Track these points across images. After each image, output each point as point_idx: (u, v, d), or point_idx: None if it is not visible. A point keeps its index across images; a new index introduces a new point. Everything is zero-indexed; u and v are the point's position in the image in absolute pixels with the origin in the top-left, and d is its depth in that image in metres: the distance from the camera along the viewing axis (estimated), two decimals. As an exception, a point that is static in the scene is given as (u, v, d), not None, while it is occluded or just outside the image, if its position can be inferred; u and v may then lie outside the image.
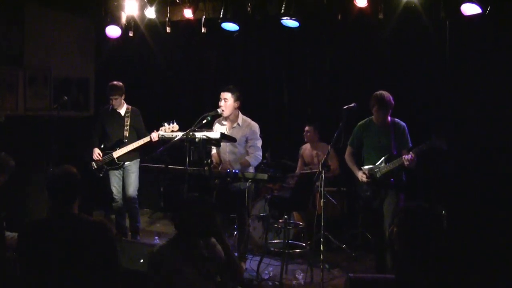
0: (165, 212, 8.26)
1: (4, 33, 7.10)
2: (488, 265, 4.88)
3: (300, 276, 5.29)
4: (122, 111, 6.28)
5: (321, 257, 4.98)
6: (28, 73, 7.45)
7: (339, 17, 6.22)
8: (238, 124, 5.55)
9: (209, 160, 5.15)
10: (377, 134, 5.25)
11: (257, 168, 5.74)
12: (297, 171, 6.84)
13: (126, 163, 6.25)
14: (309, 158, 6.85)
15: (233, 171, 5.25)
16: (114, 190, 6.32)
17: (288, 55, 7.61)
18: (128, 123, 6.24)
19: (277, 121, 7.60)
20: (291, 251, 5.81)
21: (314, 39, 7.32)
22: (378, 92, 5.16)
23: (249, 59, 7.87)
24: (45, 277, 3.00)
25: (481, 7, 5.28)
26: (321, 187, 5.06)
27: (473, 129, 5.92)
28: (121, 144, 6.19)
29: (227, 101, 5.45)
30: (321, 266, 4.98)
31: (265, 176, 5.20)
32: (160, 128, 5.80)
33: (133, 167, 6.29)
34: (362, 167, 5.28)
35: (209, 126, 5.42)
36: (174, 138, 5.16)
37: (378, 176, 5.15)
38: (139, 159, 6.33)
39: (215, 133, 5.16)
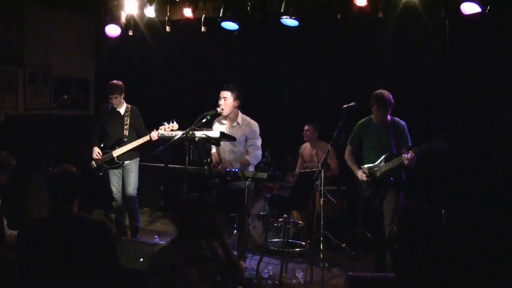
0: (165, 211, 8.27)
1: (4, 33, 7.09)
2: (488, 265, 4.88)
3: (300, 275, 5.30)
4: (122, 110, 6.28)
5: (321, 256, 4.98)
6: (28, 72, 7.45)
7: (339, 16, 6.23)
8: (238, 123, 5.55)
9: (208, 159, 5.15)
10: (377, 133, 5.25)
11: (257, 167, 5.74)
12: (297, 170, 6.85)
13: (125, 162, 6.25)
14: (309, 157, 6.86)
15: (233, 170, 5.25)
16: (113, 189, 6.32)
17: (288, 54, 7.61)
18: (128, 122, 6.24)
19: (277, 121, 7.60)
20: (291, 250, 5.82)
21: (314, 38, 7.32)
22: (377, 91, 5.16)
23: (249, 58, 7.87)
24: (45, 276, 3.00)
25: (480, 6, 5.28)
26: (321, 186, 5.06)
27: (473, 129, 5.91)
28: (120, 143, 6.19)
29: (227, 100, 5.45)
30: (321, 265, 4.98)
31: (265, 175, 5.20)
32: (160, 127, 5.81)
33: (132, 166, 6.29)
34: (362, 166, 5.28)
35: (208, 125, 5.41)
36: (174, 137, 5.15)
37: (378, 175, 5.15)
38: (138, 158, 6.33)
39: (214, 132, 5.16)
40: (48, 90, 7.75)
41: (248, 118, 5.61)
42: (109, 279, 3.12)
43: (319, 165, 5.09)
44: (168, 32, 6.93)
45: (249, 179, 5.23)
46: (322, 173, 5.02)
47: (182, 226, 3.25)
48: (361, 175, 5.22)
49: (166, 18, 6.88)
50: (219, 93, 5.52)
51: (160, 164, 5.56)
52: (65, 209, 3.11)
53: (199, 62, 8.28)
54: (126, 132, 6.22)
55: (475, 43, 5.99)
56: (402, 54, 6.55)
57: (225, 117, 5.57)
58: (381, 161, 5.16)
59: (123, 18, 7.11)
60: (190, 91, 8.44)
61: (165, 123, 5.79)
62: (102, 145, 6.27)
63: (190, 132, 4.99)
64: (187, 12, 6.72)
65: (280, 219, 5.77)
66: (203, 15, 6.75)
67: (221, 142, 5.39)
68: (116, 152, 6.17)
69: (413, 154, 4.90)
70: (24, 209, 6.29)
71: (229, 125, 5.59)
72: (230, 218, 6.37)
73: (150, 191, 8.24)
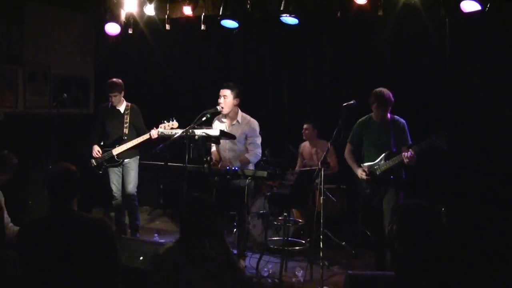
0: (165, 209, 8.28)
1: (4, 33, 7.09)
2: (487, 264, 4.88)
3: (299, 273, 5.30)
4: (122, 108, 6.28)
5: (321, 254, 4.98)
6: (27, 71, 7.44)
7: (339, 14, 6.22)
8: (238, 121, 5.55)
9: (208, 158, 5.15)
10: (376, 132, 5.24)
11: (256, 165, 5.74)
12: (297, 169, 6.85)
13: (125, 160, 6.25)
14: (309, 155, 6.86)
15: (233, 168, 5.25)
16: (113, 187, 6.32)
17: (287, 53, 7.61)
18: (128, 120, 6.24)
19: (277, 119, 7.60)
20: (290, 248, 5.82)
21: (314, 37, 7.31)
22: (377, 89, 5.16)
23: (249, 56, 7.87)
24: (45, 275, 3.00)
25: (480, 4, 5.28)
26: (320, 184, 5.06)
27: (473, 128, 5.91)
28: (120, 141, 6.19)
29: (227, 98, 5.45)
30: (321, 263, 4.98)
31: (265, 174, 5.21)
32: (160, 125, 5.80)
33: (132, 164, 6.28)
34: (361, 165, 5.28)
35: (208, 124, 5.41)
36: (174, 135, 5.15)
37: (377, 173, 5.15)
38: (138, 156, 6.32)
39: (214, 131, 5.16)
40: (48, 89, 7.74)
41: (248, 117, 5.61)
42: (110, 277, 3.12)
43: (319, 163, 5.09)
44: (167, 30, 6.93)
45: (249, 178, 5.23)
46: (322, 172, 5.01)
47: (183, 226, 3.25)
48: (361, 173, 5.22)
49: (166, 16, 6.87)
50: (219, 91, 5.52)
51: (160, 162, 5.57)
52: (65, 208, 3.11)
53: (198, 60, 8.28)
54: (126, 130, 6.22)
55: (475, 42, 5.99)
56: (402, 53, 6.55)
57: (225, 116, 5.57)
58: (381, 160, 5.15)
59: (122, 17, 7.11)
60: (189, 89, 8.44)
61: (165, 121, 5.79)
62: (102, 144, 6.27)
63: (190, 130, 4.99)
64: (187, 10, 6.72)
65: (280, 218, 5.77)
66: (203, 13, 6.75)
67: (221, 140, 5.40)
68: (116, 150, 6.17)
69: (413, 153, 4.89)
70: (24, 208, 6.29)
71: (229, 123, 5.58)
72: (230, 217, 6.37)
73: (150, 189, 8.25)
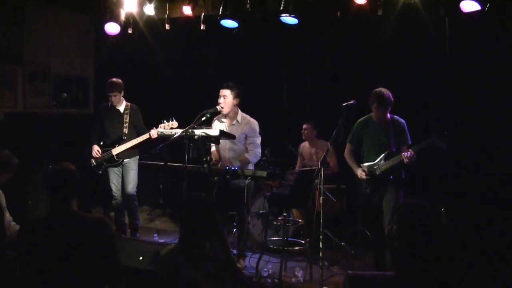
0: (164, 209, 8.28)
1: (4, 33, 7.09)
2: (487, 264, 4.88)
3: (299, 273, 5.30)
4: (121, 108, 6.27)
5: (320, 255, 4.97)
6: (27, 71, 7.44)
7: (338, 14, 6.22)
8: (238, 121, 5.54)
9: (208, 157, 5.14)
10: (376, 131, 5.24)
11: (256, 165, 5.73)
12: (297, 169, 6.84)
13: (125, 160, 6.24)
14: (308, 156, 6.85)
15: (233, 168, 5.25)
16: (113, 187, 6.32)
17: (288, 53, 7.60)
18: (127, 120, 6.23)
19: (277, 119, 7.60)
20: (290, 248, 5.81)
21: (314, 37, 7.31)
22: (377, 89, 5.16)
23: (249, 56, 7.86)
24: (45, 275, 3.00)
25: (480, 4, 5.28)
26: (320, 184, 5.06)
27: (472, 128, 5.91)
28: (120, 141, 6.18)
29: (226, 98, 5.44)
30: (320, 264, 4.97)
31: (264, 173, 5.21)
32: (159, 125, 5.80)
33: (132, 164, 6.28)
34: (361, 165, 5.28)
35: (208, 123, 5.41)
36: (173, 135, 5.15)
37: (377, 173, 5.15)
38: (138, 156, 6.32)
39: (214, 130, 5.15)
40: (48, 89, 7.74)
41: (247, 117, 5.60)
42: (110, 277, 3.12)
43: (319, 163, 5.09)
44: (167, 30, 6.93)
45: (249, 177, 5.22)
46: (322, 172, 5.01)
47: (183, 225, 3.25)
48: (360, 173, 5.22)
49: (166, 16, 6.87)
50: (218, 91, 5.52)
51: (159, 162, 5.56)
52: (64, 208, 3.11)
53: (198, 60, 8.27)
54: (125, 130, 6.22)
55: (475, 41, 5.98)
56: (402, 52, 6.54)
57: (225, 115, 5.57)
58: (380, 160, 5.15)
59: (122, 16, 7.10)
60: (189, 89, 8.44)
61: (165, 121, 5.79)
62: (101, 143, 6.27)
63: (190, 130, 4.98)
64: (187, 10, 6.72)
65: (279, 218, 5.77)
66: (203, 13, 6.74)
67: (221, 140, 5.39)
68: (116, 150, 6.16)
69: (412, 153, 4.89)
70: (24, 208, 6.29)
71: (229, 123, 5.58)
72: (229, 217, 6.36)
73: (150, 189, 8.24)
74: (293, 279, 5.25)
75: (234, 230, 6.03)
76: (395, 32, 6.45)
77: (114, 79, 6.19)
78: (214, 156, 5.68)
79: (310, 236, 5.70)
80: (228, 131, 5.39)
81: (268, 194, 5.67)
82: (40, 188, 6.15)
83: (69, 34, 8.01)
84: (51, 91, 7.72)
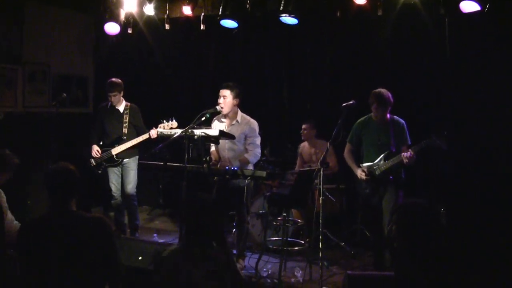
0: (164, 209, 8.27)
1: (4, 32, 7.09)
2: (488, 264, 4.88)
3: (299, 273, 5.29)
4: (121, 108, 6.27)
5: (320, 255, 4.97)
6: (27, 70, 7.44)
7: (338, 14, 6.21)
8: (237, 121, 5.54)
9: (208, 157, 5.14)
10: (376, 131, 5.24)
11: (256, 165, 5.73)
12: (296, 169, 6.84)
13: (124, 160, 6.24)
14: (308, 156, 6.84)
15: (232, 168, 5.25)
16: (113, 187, 6.32)
17: (288, 53, 7.60)
18: (127, 120, 6.23)
19: (277, 119, 7.59)
20: (290, 248, 5.81)
21: (314, 36, 7.30)
22: (376, 90, 5.16)
23: (249, 56, 7.86)
24: (45, 274, 3.00)
25: (480, 5, 5.27)
26: (320, 184, 5.06)
27: (472, 128, 5.91)
28: (120, 141, 6.18)
29: (226, 98, 5.44)
30: (320, 264, 4.97)
31: (264, 173, 5.21)
32: (159, 125, 5.79)
33: (131, 164, 6.28)
34: (361, 165, 5.28)
35: (208, 123, 5.40)
36: (173, 135, 5.15)
37: (377, 173, 5.15)
38: (137, 156, 6.32)
39: (214, 131, 5.15)
40: (48, 88, 7.74)
41: (247, 117, 5.60)
42: (110, 276, 3.12)
43: (318, 163, 5.08)
44: (167, 30, 6.93)
45: (248, 177, 5.22)
46: (321, 172, 5.01)
47: (184, 225, 3.25)
48: (360, 173, 5.22)
49: (165, 16, 6.87)
50: (218, 91, 5.51)
51: (159, 162, 5.56)
52: (64, 207, 3.11)
53: (198, 60, 8.27)
54: (125, 130, 6.21)
55: (475, 41, 5.98)
56: (402, 52, 6.54)
57: (225, 115, 5.56)
58: (380, 160, 5.15)
59: (122, 16, 7.10)
60: (189, 89, 8.43)
61: (164, 121, 5.79)
62: (101, 143, 6.27)
63: (189, 130, 4.98)
64: (186, 10, 6.71)
65: (279, 218, 5.77)
66: (202, 13, 6.74)
67: (220, 140, 5.39)
68: (115, 150, 6.16)
69: (412, 153, 4.90)
70: (24, 208, 6.28)
71: (228, 123, 5.58)
72: (229, 217, 6.36)
73: (149, 189, 8.24)
74: (293, 279, 5.25)
75: (234, 230, 6.03)
76: (395, 32, 6.44)
77: (113, 79, 6.19)
78: (213, 156, 5.68)
79: (309, 236, 5.70)
80: (227, 131, 5.39)
81: (267, 194, 5.67)
82: (40, 188, 6.14)
83: (69, 34, 8.00)
84: (51, 91, 7.71)
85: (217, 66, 8.11)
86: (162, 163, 5.46)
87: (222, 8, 6.44)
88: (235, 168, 5.22)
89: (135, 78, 7.90)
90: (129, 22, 7.10)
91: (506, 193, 5.52)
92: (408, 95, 6.25)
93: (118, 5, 7.03)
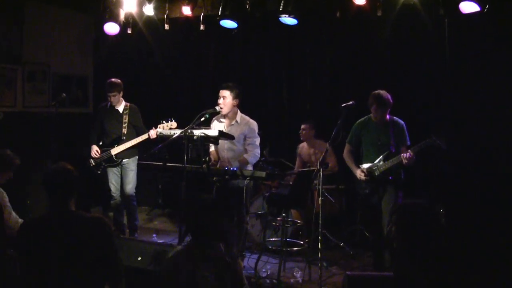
0: (163, 210, 8.27)
1: (4, 32, 7.09)
2: (487, 264, 4.87)
3: (298, 274, 5.29)
4: (121, 108, 6.27)
5: (319, 255, 4.97)
6: (26, 70, 7.44)
7: (338, 15, 6.21)
8: (237, 121, 5.54)
9: (207, 158, 5.14)
10: (376, 132, 5.25)
11: (255, 166, 5.73)
12: (296, 169, 6.83)
13: (124, 160, 6.24)
14: (307, 156, 6.83)
15: (231, 168, 5.25)
16: (112, 187, 6.32)
17: (288, 53, 7.59)
18: (127, 120, 6.23)
19: (276, 120, 7.59)
20: (289, 248, 5.80)
21: (314, 37, 7.30)
22: (376, 91, 5.17)
23: (248, 56, 7.85)
24: (45, 274, 3.00)
25: (479, 5, 5.28)
26: (319, 185, 5.05)
27: (472, 128, 5.91)
28: (119, 141, 6.18)
29: (226, 99, 5.44)
30: (319, 264, 4.97)
31: (263, 174, 5.21)
32: (159, 126, 5.79)
33: (131, 165, 6.28)
34: (360, 165, 5.28)
35: (207, 124, 5.40)
36: (173, 135, 5.15)
37: (376, 174, 5.15)
38: (137, 157, 6.32)
39: (213, 131, 5.15)
40: (47, 88, 7.74)
41: (247, 117, 5.60)
42: (110, 276, 3.12)
43: (318, 164, 5.08)
44: (166, 30, 6.92)
45: (248, 178, 5.22)
46: (321, 172, 5.01)
47: (186, 225, 3.25)
48: (359, 174, 5.22)
49: (165, 16, 6.87)
50: (218, 91, 5.51)
51: (158, 163, 5.55)
52: (63, 207, 3.11)
53: (198, 60, 8.27)
54: (124, 130, 6.21)
55: (475, 42, 5.98)
56: (401, 53, 6.54)
57: (224, 116, 5.56)
58: (379, 160, 5.15)
59: (122, 16, 7.10)
60: (188, 89, 8.42)
61: (164, 121, 5.79)
62: (100, 143, 6.27)
63: (189, 131, 4.98)
64: (186, 10, 6.71)
65: (278, 218, 5.76)
66: (202, 13, 6.74)
67: (220, 141, 5.39)
68: (115, 150, 6.16)
69: (411, 154, 4.90)
70: (24, 208, 6.28)
71: (228, 124, 5.58)
72: (231, 217, 6.36)
73: (149, 189, 8.24)
74: (292, 280, 5.24)
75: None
76: (394, 32, 6.44)
77: (113, 79, 6.19)
78: (213, 157, 5.67)
79: (309, 236, 5.69)
80: (227, 132, 5.39)
81: (267, 194, 5.66)
82: (40, 188, 6.14)
83: (69, 34, 8.00)
84: (51, 91, 7.72)
85: (217, 66, 8.10)
86: (161, 163, 5.46)
87: (221, 8, 6.44)
88: (235, 169, 5.22)
89: (135, 78, 7.90)
90: (129, 22, 7.10)
91: (506, 193, 5.52)
92: (408, 96, 6.25)
93: (117, 5, 7.03)
